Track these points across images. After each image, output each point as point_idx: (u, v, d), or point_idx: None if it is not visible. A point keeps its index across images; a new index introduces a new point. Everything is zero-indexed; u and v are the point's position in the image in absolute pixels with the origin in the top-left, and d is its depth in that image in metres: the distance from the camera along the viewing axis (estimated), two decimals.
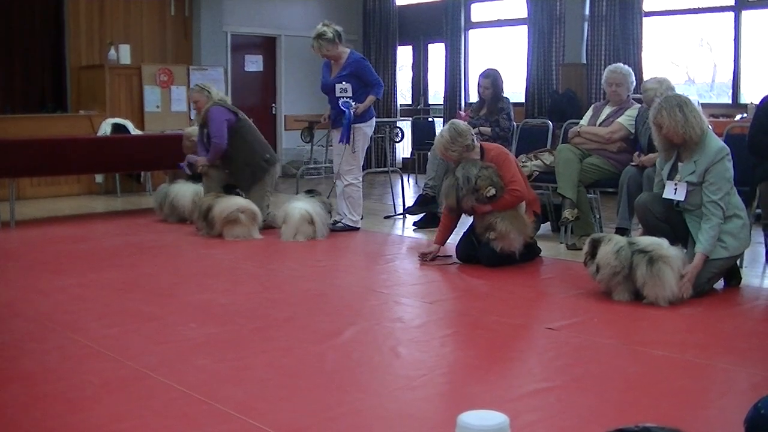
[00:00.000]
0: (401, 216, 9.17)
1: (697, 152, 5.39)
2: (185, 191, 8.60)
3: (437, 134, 6.62)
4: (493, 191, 6.20)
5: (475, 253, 6.39)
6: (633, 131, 7.08)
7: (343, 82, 7.90)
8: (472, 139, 6.42)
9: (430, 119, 14.53)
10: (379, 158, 14.25)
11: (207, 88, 8.44)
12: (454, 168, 6.37)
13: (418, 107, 15.42)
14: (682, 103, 5.37)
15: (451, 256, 6.59)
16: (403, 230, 8.51)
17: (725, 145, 5.44)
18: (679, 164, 5.52)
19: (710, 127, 5.50)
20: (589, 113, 7.66)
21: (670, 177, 5.53)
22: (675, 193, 5.45)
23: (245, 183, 8.11)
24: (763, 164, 5.68)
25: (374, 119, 8.21)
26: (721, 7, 11.43)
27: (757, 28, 11.17)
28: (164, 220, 8.73)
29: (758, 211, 6.06)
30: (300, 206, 7.66)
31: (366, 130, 8.05)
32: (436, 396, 3.59)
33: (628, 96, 7.43)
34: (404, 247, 7.55)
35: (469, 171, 6.23)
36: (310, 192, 8.13)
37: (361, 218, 8.37)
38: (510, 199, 6.30)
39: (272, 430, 3.10)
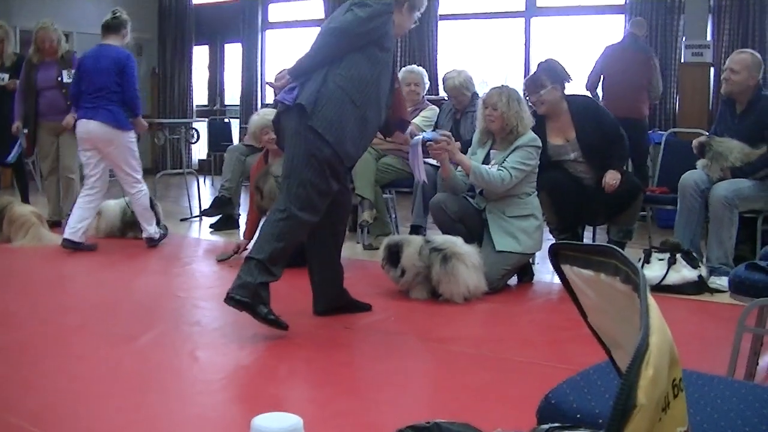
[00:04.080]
0: (197, 218, 9.02)
1: (512, 142, 5.60)
2: None
3: None
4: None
5: None
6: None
7: None
8: None
9: (226, 120, 14.36)
10: (174, 159, 13.99)
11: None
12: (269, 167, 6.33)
13: (215, 108, 15.23)
14: (520, 98, 5.68)
15: None
16: (199, 233, 8.38)
17: (539, 139, 5.69)
18: (492, 152, 5.72)
19: None
20: None
21: (484, 163, 5.69)
22: None
23: None
24: (543, 174, 5.86)
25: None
26: (513, 12, 11.86)
27: (544, 34, 11.65)
28: None
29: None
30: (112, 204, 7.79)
31: None
32: (235, 399, 3.54)
33: (423, 97, 7.57)
34: (201, 249, 7.42)
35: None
36: None
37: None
38: None
39: None
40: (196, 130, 13.68)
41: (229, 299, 4.25)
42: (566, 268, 1.52)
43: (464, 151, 6.00)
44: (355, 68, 4.39)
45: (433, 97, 9.26)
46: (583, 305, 1.56)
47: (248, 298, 4.24)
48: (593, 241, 6.92)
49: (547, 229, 6.20)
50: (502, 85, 5.77)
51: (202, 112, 15.14)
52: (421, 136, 5.28)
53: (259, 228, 4.90)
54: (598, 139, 6.03)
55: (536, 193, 5.72)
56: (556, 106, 6.10)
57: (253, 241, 5.65)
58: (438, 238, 5.43)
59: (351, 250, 7.01)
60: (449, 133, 5.65)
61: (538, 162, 5.66)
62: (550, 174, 5.93)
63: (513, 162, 5.52)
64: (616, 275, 1.35)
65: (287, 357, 4.12)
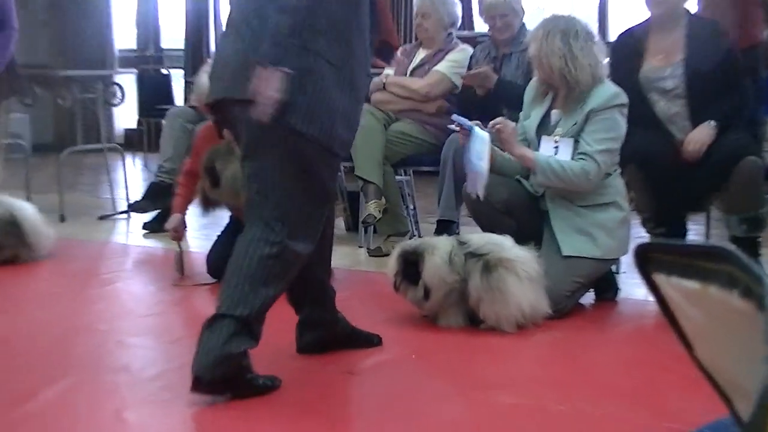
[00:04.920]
0: (124, 215, 9.03)
1: (583, 101, 5.53)
2: None
3: None
4: None
5: None
6: (459, 84, 7.20)
7: None
8: None
9: (164, 72, 14.39)
10: (89, 130, 13.99)
11: None
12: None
13: (147, 54, 15.25)
14: (570, 30, 5.52)
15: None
16: (127, 236, 8.40)
17: (624, 94, 5.58)
18: (553, 113, 5.68)
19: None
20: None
21: (542, 131, 5.66)
22: (556, 153, 5.54)
23: None
24: (634, 134, 5.78)
25: None
26: None
27: None
28: None
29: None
30: None
31: None
32: None
33: (450, 34, 7.53)
34: (130, 261, 7.44)
35: None
36: None
37: None
38: None
39: None
40: (120, 87, 13.67)
41: (200, 384, 4.11)
42: (660, 279, 1.52)
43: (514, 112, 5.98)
44: (315, 4, 4.12)
45: (465, 33, 9.27)
46: (686, 332, 1.55)
47: (231, 375, 4.12)
48: (707, 237, 6.88)
49: (636, 221, 6.17)
50: (551, 17, 5.71)
51: (129, 61, 15.15)
52: (486, 135, 5.27)
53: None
54: (711, 71, 5.96)
55: (619, 171, 5.68)
56: (675, 9, 6.09)
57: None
58: (476, 237, 5.40)
59: (351, 258, 7.02)
60: (503, 119, 5.60)
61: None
62: (639, 138, 5.83)
63: (594, 141, 5.45)
64: (732, 287, 1.33)
65: (259, 418, 4.12)
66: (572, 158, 5.49)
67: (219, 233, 6.60)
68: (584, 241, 5.53)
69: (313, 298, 4.82)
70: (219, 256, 6.40)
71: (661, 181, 5.93)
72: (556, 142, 5.57)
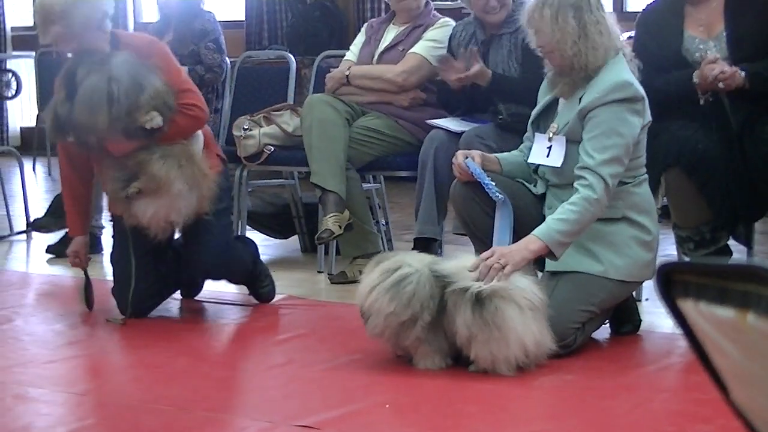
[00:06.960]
0: (23, 235, 9.01)
1: (587, 87, 5.46)
2: None
3: None
4: (159, 120, 5.89)
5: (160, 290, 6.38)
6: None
7: None
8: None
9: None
10: None
11: None
12: (77, 66, 6.15)
13: None
14: (583, 3, 5.39)
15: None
16: (27, 262, 8.38)
17: (635, 84, 5.45)
18: (561, 102, 5.62)
19: (624, 53, 5.54)
20: (360, 38, 7.72)
21: (540, 126, 5.63)
22: (548, 154, 5.49)
23: None
24: (669, 129, 5.75)
25: None
26: None
27: None
28: None
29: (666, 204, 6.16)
30: None
31: None
32: None
33: (428, 4, 7.47)
34: (31, 292, 7.41)
35: (137, 71, 5.92)
36: None
37: None
38: (184, 124, 6.13)
39: None
40: (15, 75, 13.64)
41: None
42: (687, 306, 1.53)
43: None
44: None
45: (446, 3, 9.30)
46: (719, 371, 1.56)
47: None
48: (748, 254, 6.82)
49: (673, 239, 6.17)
50: None
51: (24, 41, 15.11)
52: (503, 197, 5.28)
53: None
54: (759, 36, 5.97)
55: (645, 177, 5.62)
56: None
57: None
58: (460, 269, 5.26)
59: (309, 286, 6.99)
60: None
61: (647, 119, 5.55)
62: (683, 132, 5.84)
63: (594, 149, 5.30)
64: None
65: None
66: (564, 159, 5.43)
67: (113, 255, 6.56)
68: (577, 254, 5.43)
69: None
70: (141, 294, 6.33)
71: (718, 185, 5.87)
72: (549, 138, 5.50)
